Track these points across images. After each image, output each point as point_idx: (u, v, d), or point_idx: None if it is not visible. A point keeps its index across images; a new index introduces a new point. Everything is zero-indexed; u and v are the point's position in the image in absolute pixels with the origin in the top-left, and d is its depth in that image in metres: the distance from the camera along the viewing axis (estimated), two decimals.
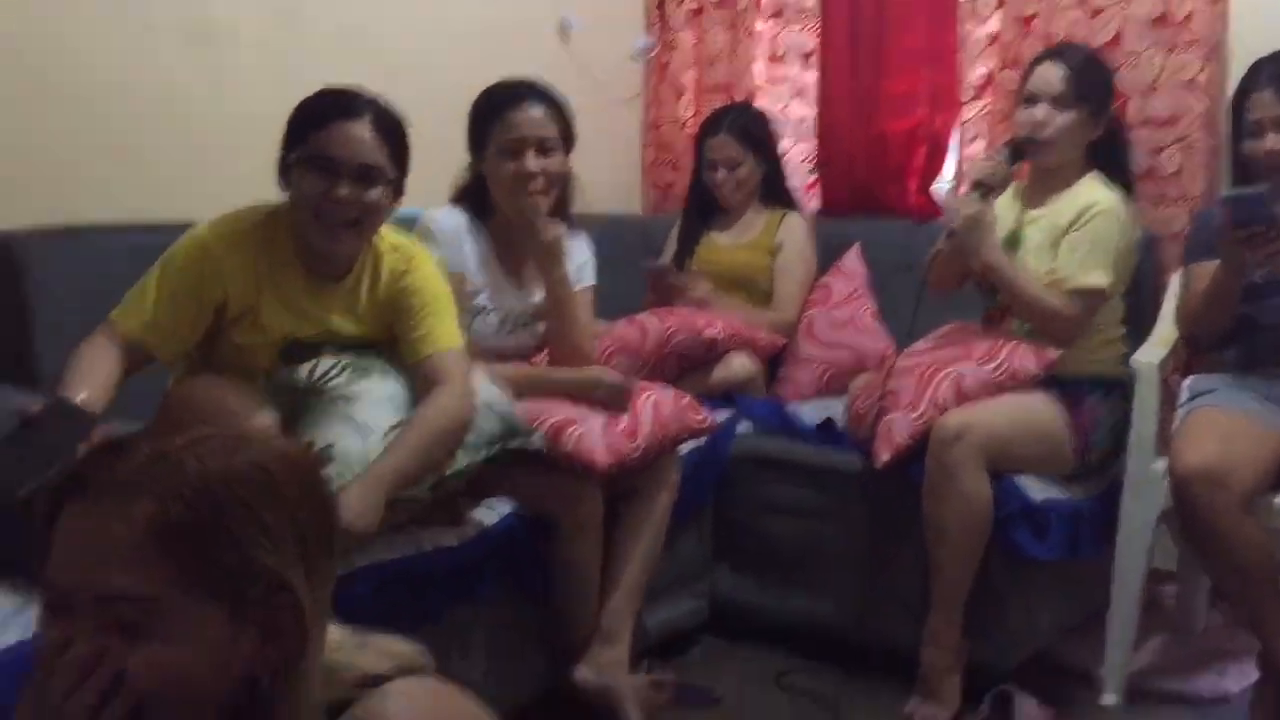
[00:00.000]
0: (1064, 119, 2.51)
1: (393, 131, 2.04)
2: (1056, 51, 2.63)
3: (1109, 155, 2.61)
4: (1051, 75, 2.53)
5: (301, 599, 0.96)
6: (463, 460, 2.05)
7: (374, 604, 1.92)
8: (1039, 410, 2.46)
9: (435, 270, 2.18)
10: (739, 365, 2.87)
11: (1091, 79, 2.54)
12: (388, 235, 2.14)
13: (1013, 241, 2.59)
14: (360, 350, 2.10)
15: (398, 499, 1.96)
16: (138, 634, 0.90)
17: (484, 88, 2.48)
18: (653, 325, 2.75)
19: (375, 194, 2.00)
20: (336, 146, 1.97)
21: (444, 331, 2.12)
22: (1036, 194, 2.62)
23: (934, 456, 2.37)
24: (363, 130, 1.99)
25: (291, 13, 2.78)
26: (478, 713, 1.06)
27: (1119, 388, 2.53)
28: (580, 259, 2.55)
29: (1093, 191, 2.53)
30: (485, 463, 2.11)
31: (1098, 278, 2.47)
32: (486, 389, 2.17)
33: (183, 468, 0.93)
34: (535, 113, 2.42)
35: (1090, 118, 2.54)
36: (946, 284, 2.69)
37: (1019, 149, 2.55)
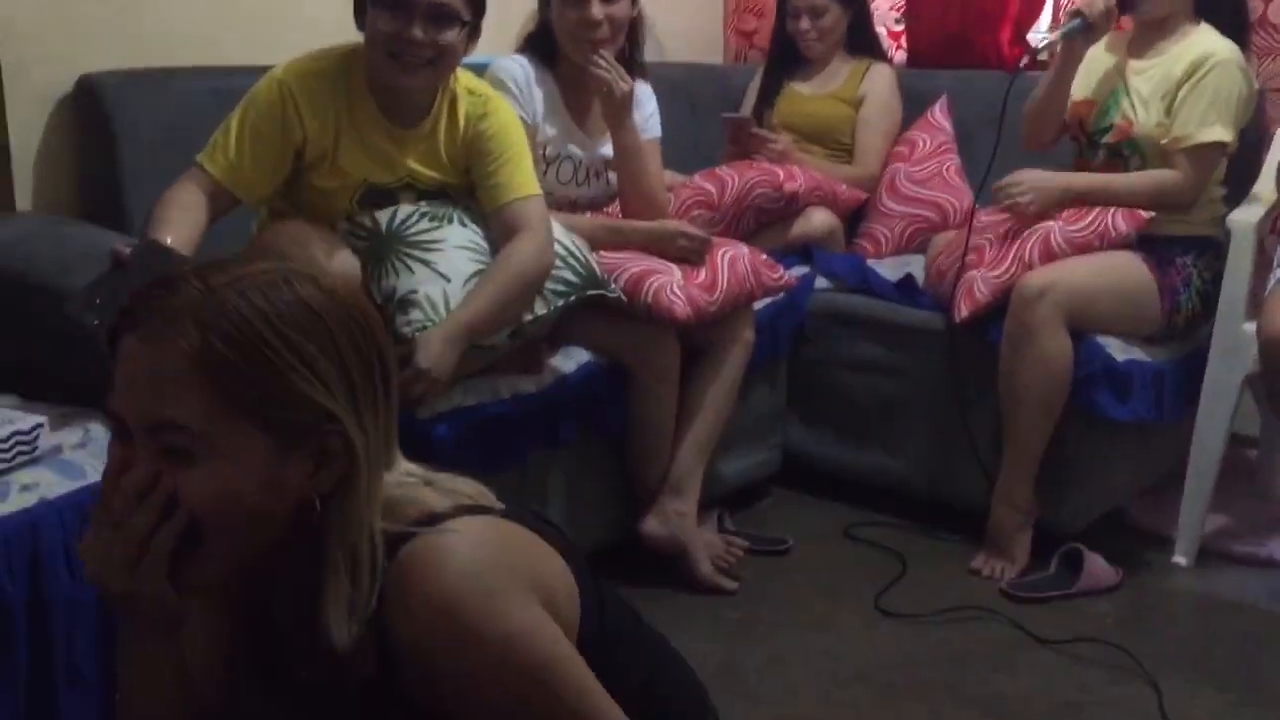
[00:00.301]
0: None
1: None
2: None
3: (1219, 4, 2.47)
4: None
5: (349, 430, 0.99)
6: (541, 309, 2.07)
7: (454, 448, 1.97)
8: (1126, 270, 2.41)
9: (513, 116, 2.17)
10: (819, 220, 2.83)
11: None
12: (464, 79, 2.12)
13: (1119, 95, 2.50)
14: (438, 198, 2.11)
15: (477, 346, 1.99)
16: (188, 459, 0.95)
17: None
18: (732, 178, 2.71)
19: (450, 35, 1.98)
20: None
21: (523, 178, 2.11)
22: (1142, 44, 2.50)
23: (1015, 315, 2.33)
24: None
25: None
26: (539, 550, 1.08)
27: (1213, 248, 2.46)
28: (647, 110, 2.51)
29: (1208, 41, 2.42)
30: (564, 311, 2.12)
31: (1219, 132, 2.38)
32: (565, 237, 2.17)
33: (226, 302, 0.96)
34: None
35: None
36: (1041, 139, 2.61)
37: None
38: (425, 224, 2.04)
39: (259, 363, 0.95)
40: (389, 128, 2.06)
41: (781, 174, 2.75)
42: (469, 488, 1.12)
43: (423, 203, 2.08)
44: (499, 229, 2.08)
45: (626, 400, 2.30)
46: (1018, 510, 2.41)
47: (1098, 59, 2.56)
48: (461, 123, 2.10)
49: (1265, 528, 2.59)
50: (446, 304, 1.97)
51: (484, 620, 0.97)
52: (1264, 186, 2.51)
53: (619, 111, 2.38)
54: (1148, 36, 2.50)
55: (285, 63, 2.02)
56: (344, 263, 1.97)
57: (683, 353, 2.33)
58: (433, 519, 1.02)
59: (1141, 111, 2.46)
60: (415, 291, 1.97)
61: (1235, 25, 2.48)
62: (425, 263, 2.00)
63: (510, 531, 1.06)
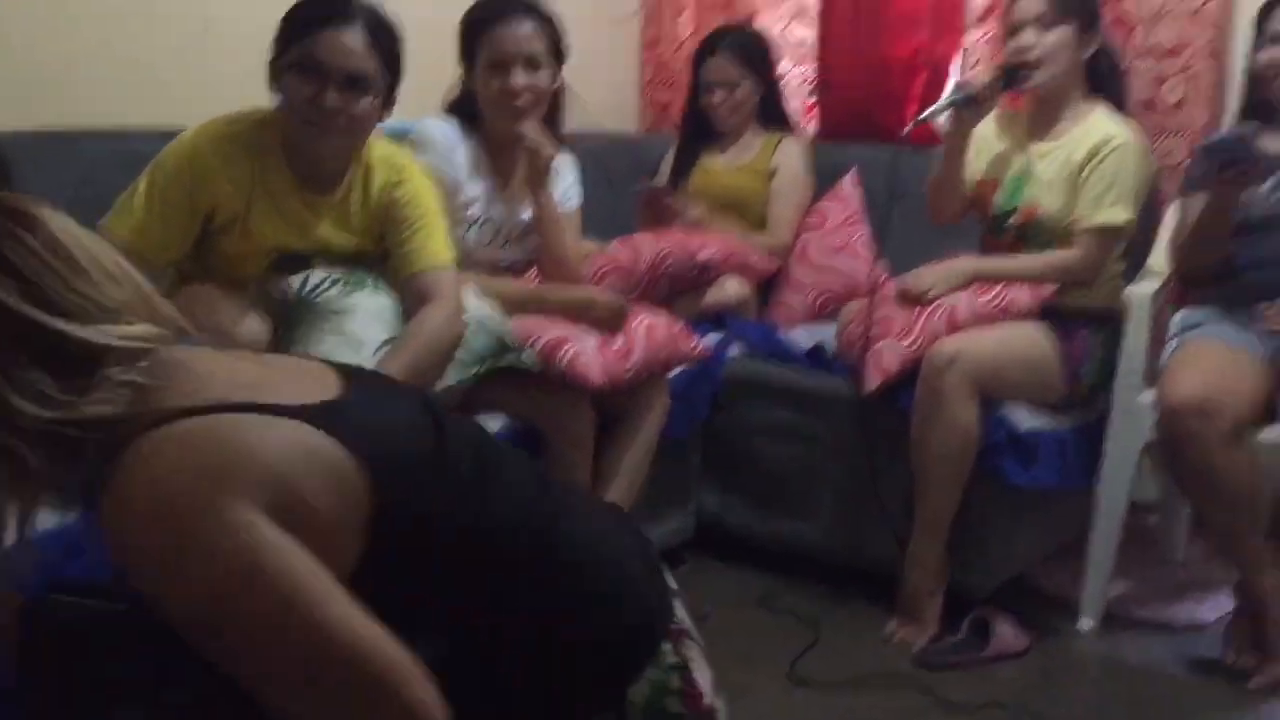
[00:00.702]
0: (1051, 37, 2.49)
1: (386, 39, 2.01)
2: None
3: (1108, 83, 2.58)
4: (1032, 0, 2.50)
5: None
6: (453, 377, 2.06)
7: None
8: (1031, 341, 2.47)
9: (428, 183, 2.17)
10: (732, 288, 2.86)
11: None
12: (379, 146, 2.12)
13: (1021, 176, 2.58)
14: (351, 264, 2.09)
15: None
16: None
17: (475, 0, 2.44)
18: (646, 246, 2.73)
19: (365, 103, 1.98)
20: (326, 52, 1.95)
21: (436, 246, 2.11)
22: (1042, 126, 2.59)
23: (926, 383, 2.38)
24: (354, 37, 1.96)
25: None
26: (281, 453, 1.01)
27: (1113, 320, 2.54)
28: (568, 179, 2.54)
29: (1107, 125, 2.51)
30: (477, 380, 2.11)
31: (1118, 214, 2.46)
32: (478, 305, 2.16)
33: None
34: (523, 28, 2.39)
35: (1079, 34, 2.51)
36: (945, 214, 2.69)
37: (1010, 75, 2.53)
38: (337, 290, 2.02)
39: None
40: (303, 193, 2.04)
41: (695, 243, 2.78)
42: (295, 371, 1.13)
43: (335, 269, 2.07)
44: (410, 297, 2.07)
45: (541, 468, 2.29)
46: (929, 575, 2.44)
47: (996, 140, 2.65)
48: (376, 189, 2.09)
49: (1167, 592, 2.65)
50: None
51: (177, 534, 0.94)
52: (1158, 260, 2.61)
53: (541, 176, 2.40)
54: (1046, 117, 2.58)
55: (198, 126, 2.00)
56: (252, 328, 1.94)
57: (597, 419, 2.33)
58: (174, 416, 0.99)
59: (1046, 195, 2.54)
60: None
61: (1119, 102, 2.59)
62: (336, 330, 1.98)
63: (238, 435, 0.99)
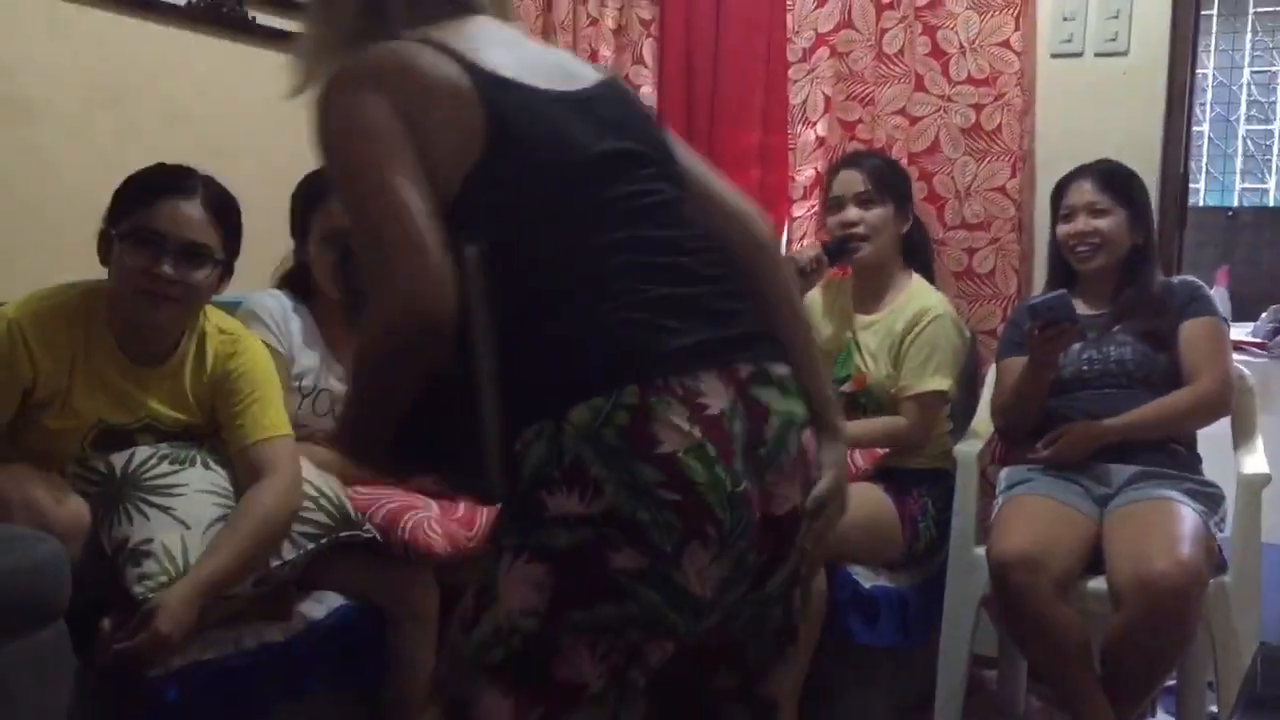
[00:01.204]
0: (874, 214, 2.68)
1: (225, 212, 2.00)
2: (851, 158, 2.83)
3: (920, 255, 2.78)
4: (853, 179, 2.71)
5: None
6: (290, 553, 1.98)
7: (193, 706, 1.83)
8: (870, 502, 2.54)
9: (264, 355, 2.13)
10: None
11: (890, 177, 2.74)
12: (215, 316, 2.08)
13: (849, 348, 2.69)
14: (180, 439, 2.03)
15: (219, 595, 1.88)
16: None
17: (306, 174, 2.45)
18: None
19: (202, 274, 1.95)
20: (165, 222, 1.92)
21: (271, 418, 2.07)
22: (866, 298, 2.73)
23: None
24: (193, 209, 1.95)
25: (112, 91, 2.68)
26: (423, 78, 1.27)
27: (944, 479, 2.63)
28: None
29: (924, 297, 2.67)
30: (314, 555, 2.04)
31: (938, 382, 2.58)
32: (316, 478, 2.10)
33: None
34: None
35: (898, 211, 2.72)
36: None
37: (838, 248, 2.67)
38: (165, 467, 1.95)
39: None
40: (129, 367, 1.98)
41: None
42: None
43: (163, 445, 1.99)
44: (244, 470, 2.01)
45: (382, 644, 2.20)
46: None
47: (824, 312, 2.77)
48: (210, 361, 2.05)
49: None
50: (185, 553, 1.86)
51: (323, 105, 1.28)
52: (981, 420, 2.73)
53: None
54: (869, 288, 2.73)
55: (18, 300, 1.93)
56: (72, 508, 1.84)
57: (442, 591, 2.26)
58: None
59: (872, 364, 2.66)
60: (150, 540, 1.85)
61: (929, 274, 2.79)
62: (163, 509, 1.90)
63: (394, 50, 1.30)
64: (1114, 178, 2.62)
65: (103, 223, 1.97)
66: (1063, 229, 2.63)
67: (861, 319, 2.72)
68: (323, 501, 2.06)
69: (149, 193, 1.95)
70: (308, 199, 2.42)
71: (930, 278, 2.79)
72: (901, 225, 2.73)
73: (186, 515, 1.90)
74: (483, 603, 1.24)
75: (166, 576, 1.83)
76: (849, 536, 2.44)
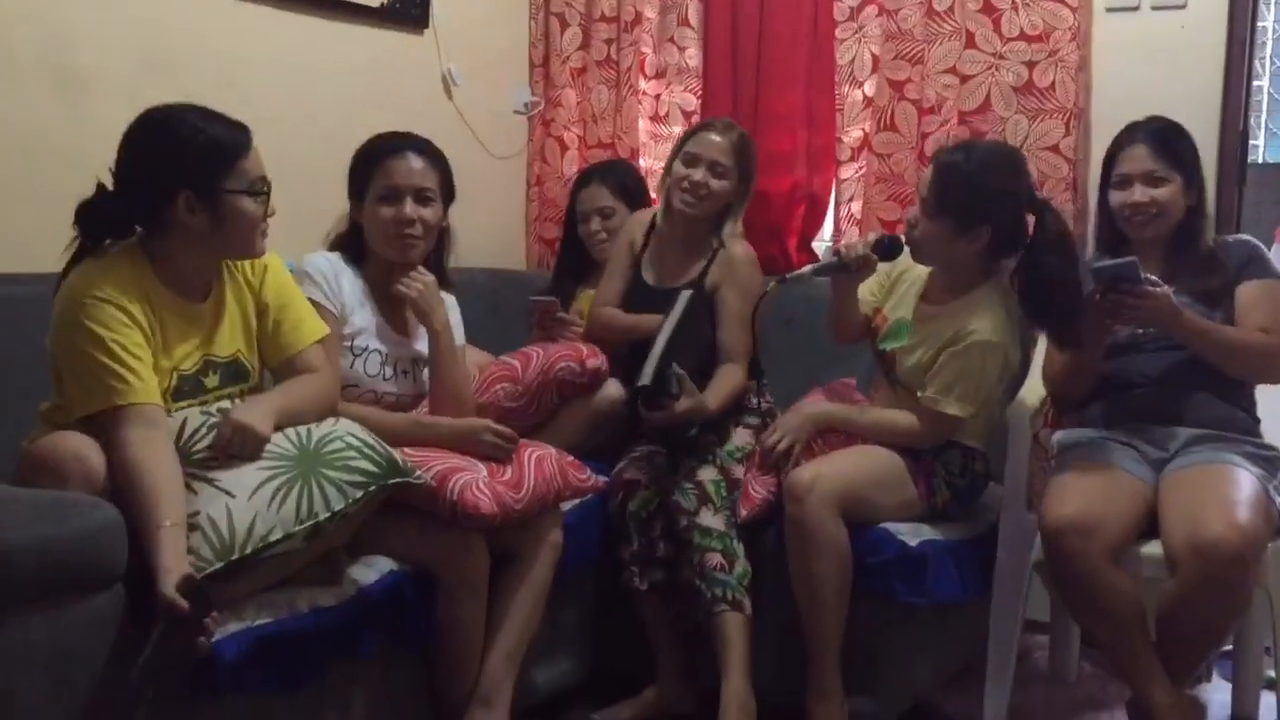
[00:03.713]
0: (927, 227, 2.50)
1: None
2: (940, 155, 2.55)
3: (1004, 255, 2.54)
4: (926, 178, 2.52)
5: None
6: (339, 503, 1.98)
7: (249, 667, 1.85)
8: (882, 459, 2.52)
9: (287, 271, 2.23)
10: (614, 390, 2.75)
11: (959, 193, 2.44)
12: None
13: (903, 329, 2.62)
14: (235, 372, 2.12)
15: (274, 550, 1.90)
16: None
17: (371, 138, 2.48)
18: (536, 354, 2.68)
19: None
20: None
21: (309, 325, 2.21)
22: (937, 289, 2.62)
23: (790, 511, 2.41)
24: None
25: (162, 60, 2.71)
26: None
27: (955, 447, 2.57)
28: (453, 319, 2.54)
29: (980, 314, 2.48)
30: (365, 505, 2.04)
31: (956, 408, 2.48)
32: (359, 430, 2.12)
33: None
34: (416, 163, 2.44)
35: (952, 232, 2.46)
36: (845, 338, 2.75)
37: (892, 244, 2.56)
38: (212, 438, 1.97)
39: None
40: (185, 306, 2.05)
41: (585, 350, 2.75)
42: None
43: (211, 411, 2.02)
44: (288, 376, 2.16)
45: (433, 609, 2.23)
46: (831, 704, 2.41)
47: (907, 278, 2.68)
48: (244, 286, 2.15)
49: (1064, 712, 2.66)
50: (230, 522, 1.87)
51: None
52: (1032, 385, 2.68)
53: (427, 315, 2.41)
54: (945, 280, 2.60)
55: (82, 280, 1.94)
56: (94, 460, 1.87)
57: (490, 557, 2.28)
58: None
59: (909, 354, 2.58)
60: (197, 514, 1.87)
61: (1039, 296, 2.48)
62: (208, 480, 1.92)
63: None
64: (1169, 142, 2.52)
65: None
66: (1117, 197, 2.54)
67: (924, 307, 2.61)
68: (368, 450, 2.07)
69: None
70: (369, 157, 2.45)
71: (1044, 303, 2.48)
72: (965, 246, 2.47)
73: (232, 484, 1.92)
74: None
75: (211, 550, 1.85)
76: (867, 496, 2.45)
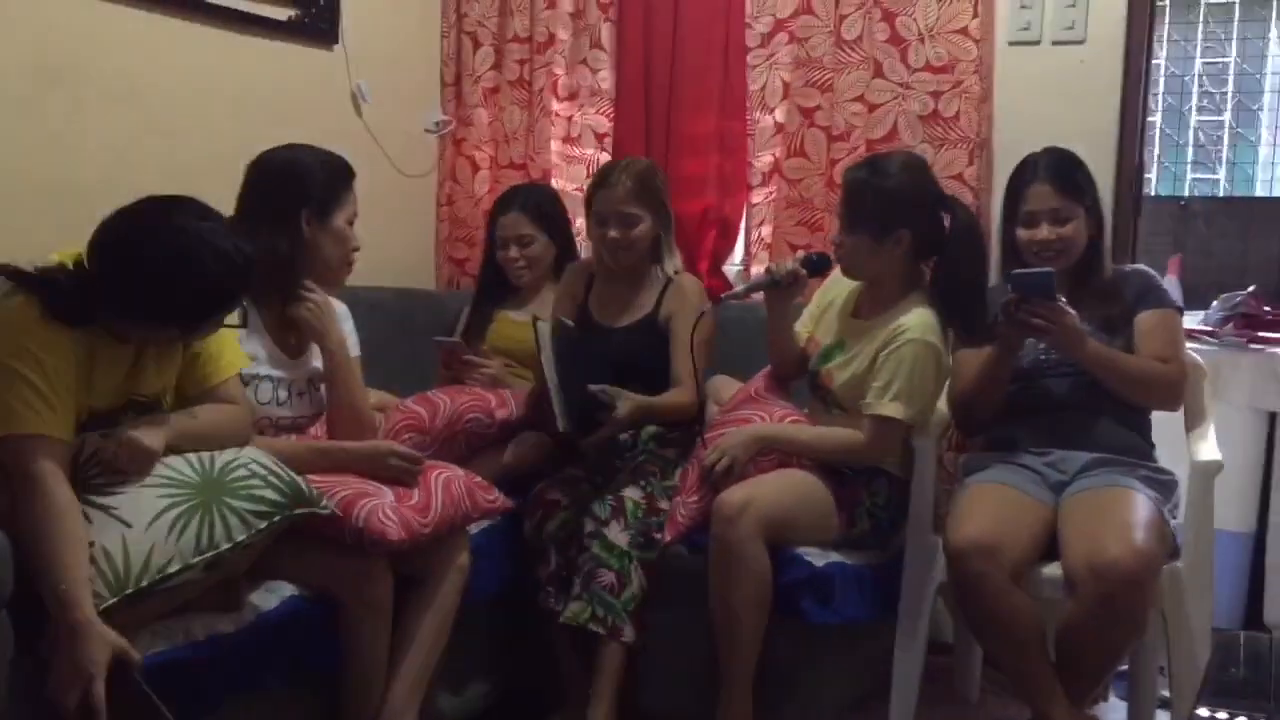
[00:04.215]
0: (850, 241, 2.55)
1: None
2: (848, 173, 2.62)
3: (953, 263, 2.57)
4: (844, 196, 2.58)
5: None
6: (242, 534, 1.93)
7: (143, 696, 1.79)
8: (809, 485, 2.54)
9: None
10: (530, 442, 2.80)
11: (870, 204, 2.51)
12: None
13: (836, 348, 2.65)
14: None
15: (171, 582, 1.84)
16: None
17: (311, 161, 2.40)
18: (444, 402, 2.68)
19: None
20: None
21: (229, 358, 2.14)
22: (867, 303, 2.66)
23: (718, 534, 2.41)
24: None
25: (59, 71, 2.62)
26: None
27: (882, 476, 2.60)
28: (346, 327, 2.49)
29: (910, 315, 2.52)
30: (268, 536, 1.99)
31: (896, 409, 2.48)
32: (264, 457, 2.07)
33: None
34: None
35: (872, 242, 2.52)
36: (782, 372, 2.77)
37: (819, 260, 2.62)
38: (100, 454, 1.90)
39: None
40: (103, 346, 1.94)
41: (494, 400, 2.74)
42: None
43: (113, 431, 1.94)
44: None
45: (335, 635, 2.17)
46: None
47: (834, 302, 2.73)
48: None
49: None
50: (125, 554, 1.81)
51: None
52: (938, 408, 2.72)
53: (322, 334, 2.34)
54: (872, 296, 2.64)
55: (16, 306, 1.85)
56: None
57: (395, 581, 2.24)
58: None
59: (844, 370, 2.60)
60: (91, 544, 1.80)
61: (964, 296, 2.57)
62: (104, 508, 1.85)
63: None
64: (1069, 175, 2.56)
65: None
66: (1024, 234, 2.57)
67: (854, 322, 2.65)
68: (272, 479, 2.02)
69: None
70: (338, 176, 2.39)
71: (970, 302, 2.57)
72: (880, 254, 2.53)
73: (128, 513, 1.86)
74: None
75: (104, 584, 1.79)
76: (792, 520, 2.46)
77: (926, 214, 2.56)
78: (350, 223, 2.39)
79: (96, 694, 1.67)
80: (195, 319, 1.95)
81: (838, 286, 2.73)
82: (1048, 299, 2.38)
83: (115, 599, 1.78)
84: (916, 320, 2.51)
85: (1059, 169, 2.57)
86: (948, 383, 2.67)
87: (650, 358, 2.82)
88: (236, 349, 2.17)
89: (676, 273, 2.90)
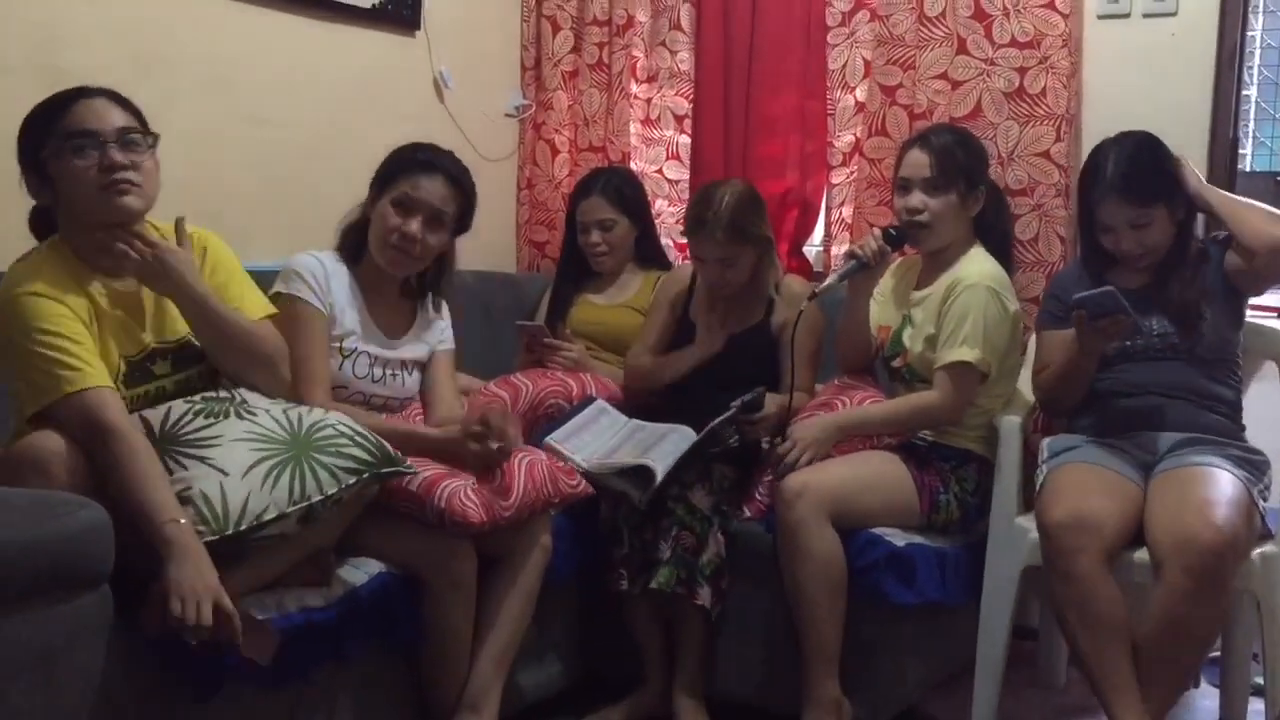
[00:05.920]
0: (937, 203, 2.57)
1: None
2: (922, 137, 2.68)
3: (989, 221, 2.68)
4: (920, 160, 2.59)
5: None
6: (332, 486, 1.99)
7: (238, 665, 1.84)
8: (884, 467, 2.53)
9: (226, 247, 2.19)
10: None
11: (958, 161, 2.59)
12: (163, 228, 2.10)
13: (905, 325, 2.65)
14: (187, 356, 2.10)
15: (267, 530, 1.91)
16: None
17: (408, 143, 2.46)
18: (525, 386, 2.71)
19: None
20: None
21: (251, 302, 2.15)
22: (927, 273, 2.67)
23: (779, 517, 2.42)
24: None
25: (151, 60, 2.69)
26: None
27: (974, 462, 2.58)
28: (443, 323, 2.54)
29: (967, 266, 2.57)
30: (357, 491, 2.05)
31: (964, 352, 2.48)
32: (350, 420, 2.12)
33: None
34: (442, 186, 2.40)
35: (962, 198, 2.59)
36: (851, 365, 2.76)
37: (899, 234, 2.61)
38: (200, 421, 1.97)
39: None
40: (120, 294, 2.02)
41: (574, 384, 2.76)
42: None
43: (195, 399, 2.02)
44: None
45: (420, 612, 2.22)
46: (827, 711, 2.41)
47: (890, 286, 2.73)
48: None
49: (1051, 717, 2.66)
50: (224, 499, 1.88)
51: None
52: (1023, 390, 2.69)
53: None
54: (933, 265, 2.66)
55: (13, 279, 1.93)
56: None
57: (481, 560, 2.27)
58: None
59: (916, 339, 2.61)
60: (189, 488, 1.88)
61: (998, 238, 2.69)
62: (200, 459, 1.92)
63: None
64: (1139, 182, 2.44)
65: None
66: (1108, 241, 2.50)
67: (915, 294, 2.66)
68: (359, 439, 2.07)
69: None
70: (403, 162, 2.41)
71: (1006, 255, 2.69)
72: (969, 210, 2.62)
73: (225, 463, 1.92)
74: None
75: (204, 525, 1.85)
76: (859, 502, 2.46)
77: (988, 176, 2.71)
78: (400, 207, 2.36)
79: (225, 604, 1.76)
80: (25, 152, 2.00)
81: (886, 278, 2.74)
82: (1118, 313, 2.33)
83: (216, 538, 1.85)
84: (974, 268, 2.55)
85: (1128, 177, 2.45)
86: (1033, 366, 2.63)
87: (756, 365, 2.77)
88: (260, 296, 2.19)
89: (781, 279, 2.88)
